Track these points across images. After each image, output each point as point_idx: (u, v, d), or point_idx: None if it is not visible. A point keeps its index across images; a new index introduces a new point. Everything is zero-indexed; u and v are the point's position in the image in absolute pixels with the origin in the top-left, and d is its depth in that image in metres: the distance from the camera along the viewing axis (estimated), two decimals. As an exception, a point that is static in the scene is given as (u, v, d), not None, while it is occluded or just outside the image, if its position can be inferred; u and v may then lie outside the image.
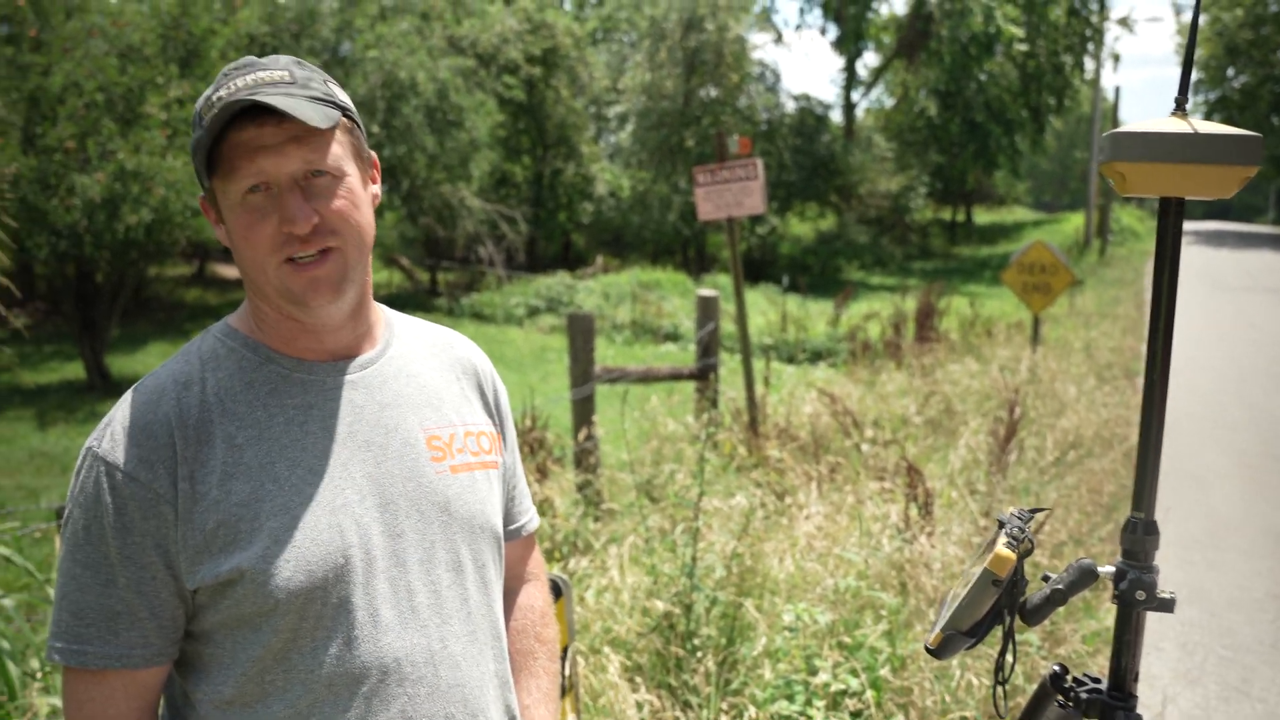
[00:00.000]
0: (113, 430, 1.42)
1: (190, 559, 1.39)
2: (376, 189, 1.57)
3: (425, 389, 1.61)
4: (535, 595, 1.85)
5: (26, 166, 12.21)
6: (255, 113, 1.39)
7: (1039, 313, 11.38)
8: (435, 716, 1.48)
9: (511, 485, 1.78)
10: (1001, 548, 1.47)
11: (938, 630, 1.52)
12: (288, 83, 1.41)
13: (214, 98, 1.40)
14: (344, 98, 1.50)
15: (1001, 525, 1.53)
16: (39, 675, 3.40)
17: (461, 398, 1.67)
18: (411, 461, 1.53)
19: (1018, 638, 1.58)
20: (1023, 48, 35.62)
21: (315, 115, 1.39)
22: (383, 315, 1.65)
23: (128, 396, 1.46)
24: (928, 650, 1.53)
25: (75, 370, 14.87)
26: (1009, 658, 1.54)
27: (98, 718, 1.40)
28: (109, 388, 13.86)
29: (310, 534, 1.41)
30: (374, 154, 1.59)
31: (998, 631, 1.55)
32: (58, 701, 3.22)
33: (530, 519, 1.84)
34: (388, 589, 1.47)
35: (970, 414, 8.07)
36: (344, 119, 1.48)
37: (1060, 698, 1.59)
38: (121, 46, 13.69)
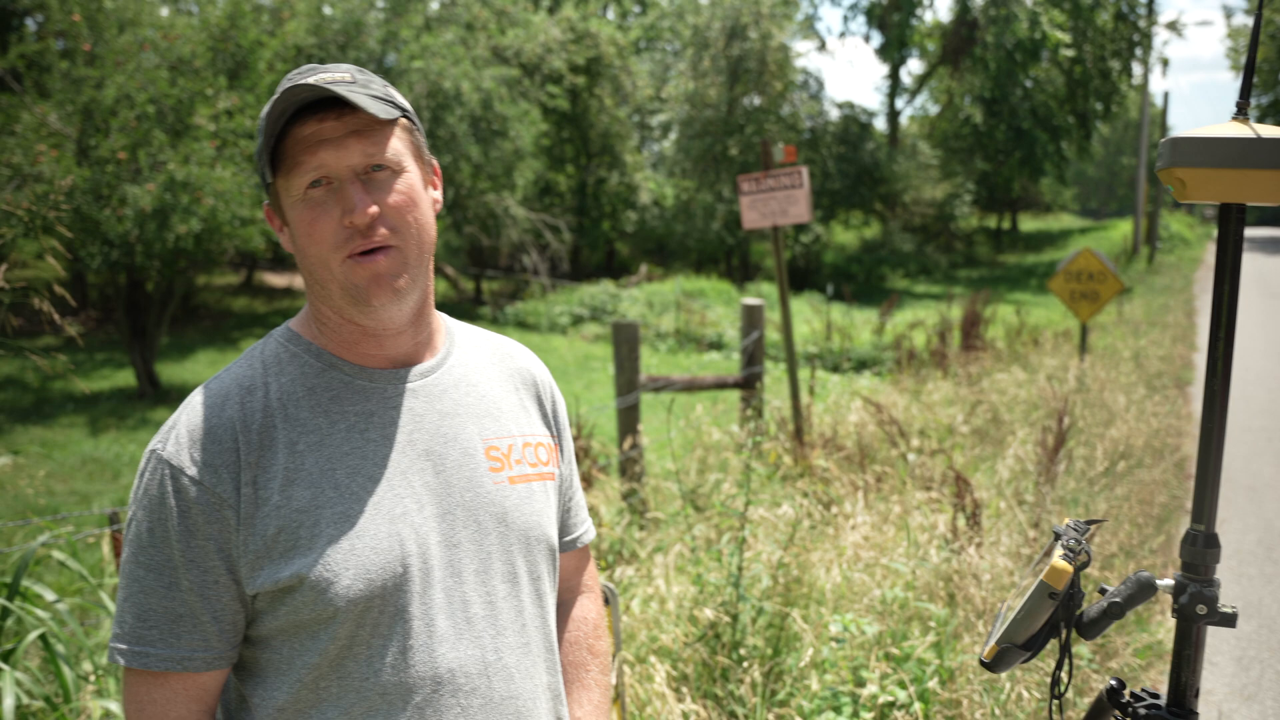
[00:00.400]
0: (177, 433, 1.42)
1: (251, 564, 1.40)
2: (437, 194, 1.57)
3: (485, 399, 1.61)
4: (589, 607, 1.85)
5: (80, 178, 12.41)
6: (316, 108, 1.41)
7: (1087, 321, 11.25)
8: None
9: (568, 497, 1.78)
10: (1058, 560, 1.45)
11: (992, 643, 1.50)
12: (349, 82, 1.43)
13: (279, 100, 1.42)
14: (404, 101, 1.51)
15: (1057, 537, 1.51)
16: (92, 678, 3.44)
17: (520, 408, 1.67)
18: (470, 471, 1.53)
19: (1069, 650, 1.55)
20: (1069, 53, 35.27)
21: (375, 107, 1.40)
22: (443, 324, 1.65)
23: (192, 399, 1.47)
24: (982, 663, 1.51)
25: (126, 378, 15.08)
26: (1065, 671, 1.52)
27: (158, 719, 1.41)
28: (159, 395, 14.05)
29: (369, 542, 1.42)
30: (435, 161, 1.59)
31: (1052, 644, 1.52)
32: (111, 705, 3.26)
33: (586, 530, 1.84)
34: (444, 599, 1.47)
35: (1017, 423, 7.99)
36: (404, 119, 1.49)
37: (1118, 713, 1.57)
38: (172, 59, 13.90)
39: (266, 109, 1.43)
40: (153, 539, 1.40)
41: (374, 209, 1.41)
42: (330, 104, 1.41)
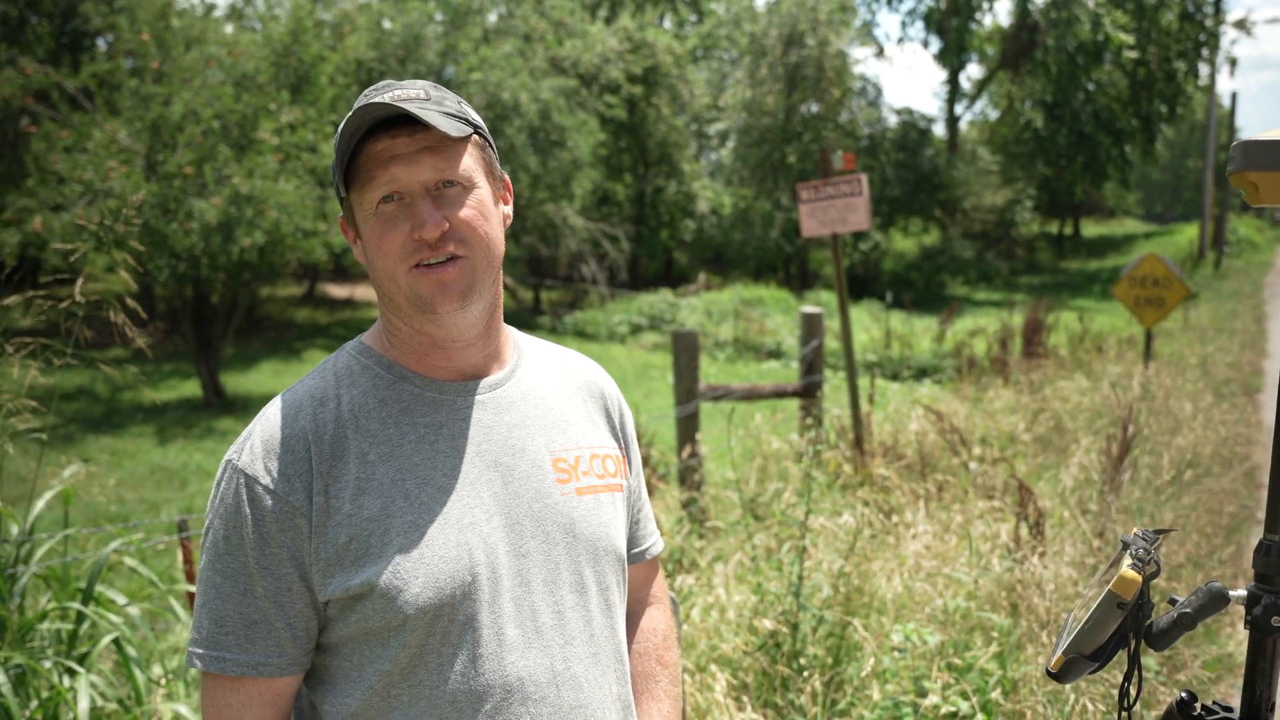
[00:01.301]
0: (252, 444, 1.46)
1: (323, 572, 1.43)
2: (508, 210, 1.60)
3: (552, 411, 1.63)
4: (658, 619, 1.85)
5: (149, 192, 12.67)
6: (390, 124, 1.44)
7: (1152, 327, 11.07)
8: None
9: (636, 509, 1.79)
10: (1127, 569, 1.43)
11: (1059, 653, 1.48)
12: (422, 99, 1.46)
13: (352, 115, 1.45)
14: (476, 118, 1.54)
15: (1125, 546, 1.49)
16: (163, 682, 3.51)
17: (587, 420, 1.69)
18: (538, 483, 1.55)
19: (1138, 662, 1.53)
20: (1133, 55, 34.73)
21: (447, 125, 1.43)
22: (511, 337, 1.68)
23: (266, 411, 1.51)
24: (1049, 674, 1.49)
25: (192, 388, 15.35)
26: (1134, 683, 1.50)
27: None
28: (224, 405, 14.28)
29: (439, 551, 1.44)
30: (507, 177, 1.62)
31: (1119, 656, 1.50)
32: (181, 708, 3.32)
33: (654, 542, 1.84)
34: (512, 608, 1.48)
35: (1081, 432, 7.87)
36: (476, 135, 1.52)
37: (1188, 726, 1.54)
38: (236, 75, 14.15)
39: (342, 125, 1.47)
40: (229, 547, 1.44)
41: (444, 225, 1.45)
42: (403, 121, 1.44)
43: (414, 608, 1.42)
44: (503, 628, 1.47)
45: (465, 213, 1.47)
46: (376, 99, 1.44)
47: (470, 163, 1.49)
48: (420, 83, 1.51)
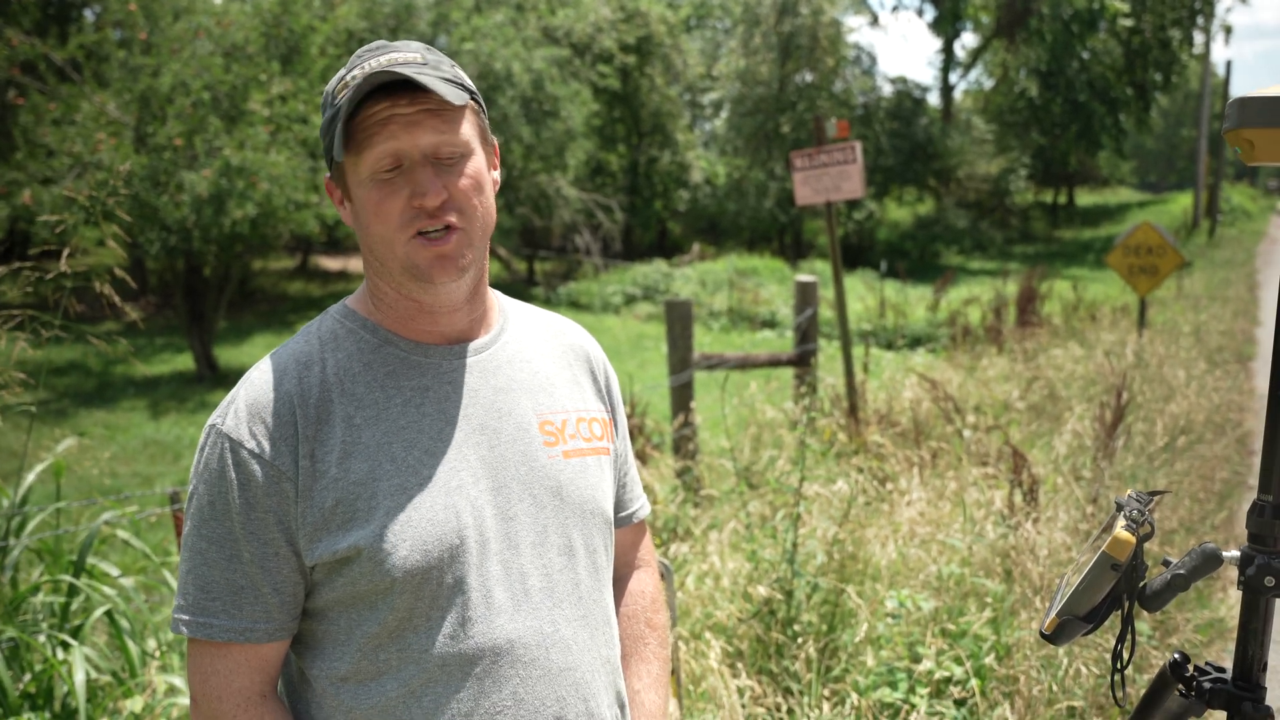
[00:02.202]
0: (236, 408, 1.45)
1: (309, 536, 1.42)
2: (497, 174, 1.58)
3: (538, 374, 1.62)
4: (646, 581, 1.85)
5: (139, 164, 12.59)
6: (390, 89, 1.42)
7: (1145, 296, 11.06)
8: (546, 699, 1.49)
9: (623, 472, 1.78)
10: (1121, 530, 1.42)
11: (1053, 615, 1.48)
12: (419, 63, 1.44)
13: (348, 77, 1.44)
14: (470, 83, 1.52)
15: (1119, 508, 1.49)
16: (157, 654, 3.51)
17: (574, 383, 1.68)
18: (525, 446, 1.55)
19: (1131, 625, 1.53)
20: (1128, 23, 34.59)
21: (449, 92, 1.41)
22: (497, 301, 1.67)
23: (250, 375, 1.49)
24: (1042, 635, 1.49)
25: (185, 361, 15.32)
26: (1127, 645, 1.50)
27: (222, 689, 1.44)
28: (217, 378, 14.26)
29: (426, 514, 1.43)
30: (495, 141, 1.60)
31: (1112, 619, 1.50)
32: (175, 680, 3.32)
33: (641, 506, 1.84)
34: (500, 571, 1.48)
35: (1075, 399, 7.88)
36: (471, 101, 1.50)
37: (1181, 687, 1.54)
38: (226, 46, 14.04)
39: (334, 85, 1.45)
40: (214, 512, 1.42)
41: (444, 194, 1.43)
42: (403, 85, 1.42)
43: (401, 570, 1.41)
44: (491, 590, 1.46)
45: (464, 181, 1.46)
46: (373, 60, 1.43)
47: (467, 129, 1.48)
48: (415, 44, 1.48)
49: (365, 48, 1.49)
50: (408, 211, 1.43)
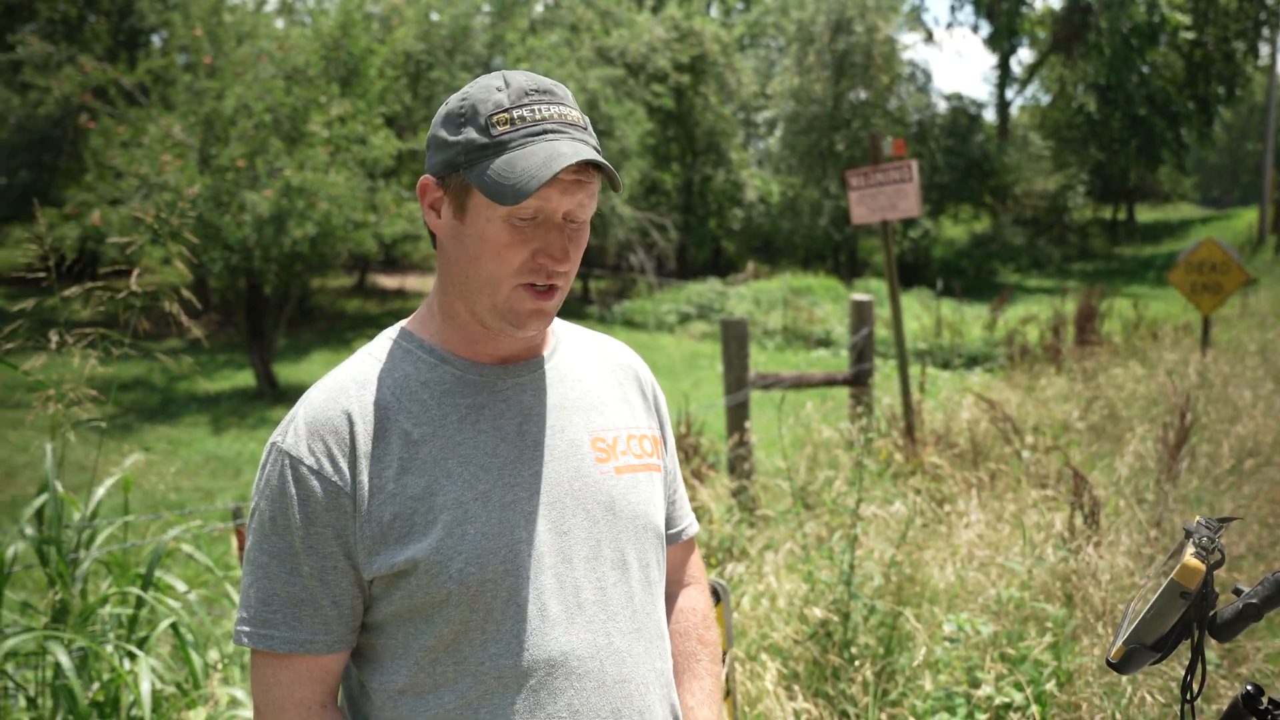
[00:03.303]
0: (295, 426, 1.49)
1: (368, 550, 1.45)
2: None
3: (589, 393, 1.65)
4: (696, 598, 1.86)
5: (203, 185, 12.83)
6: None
7: (1209, 314, 10.88)
8: (602, 711, 1.51)
9: (672, 490, 1.80)
10: (1190, 557, 1.41)
11: (1119, 643, 1.46)
12: (581, 127, 1.48)
13: (516, 114, 1.45)
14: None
15: (1188, 534, 1.47)
16: (219, 666, 3.57)
17: (624, 401, 1.71)
18: (577, 462, 1.57)
19: (1201, 654, 1.50)
20: (1189, 36, 34.07)
21: (606, 171, 1.47)
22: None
23: (309, 394, 1.53)
24: (1109, 664, 1.47)
25: (246, 378, 15.53)
26: (1197, 675, 1.47)
27: (285, 700, 1.47)
28: (277, 394, 14.44)
29: (481, 528, 1.46)
30: None
31: (1182, 648, 1.48)
32: (237, 692, 3.37)
33: (690, 523, 1.85)
34: (555, 584, 1.50)
35: (1136, 420, 7.76)
36: None
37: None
38: (287, 69, 14.28)
39: (489, 109, 1.45)
40: (274, 527, 1.46)
41: (569, 263, 1.49)
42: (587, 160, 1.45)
43: (457, 583, 1.44)
44: (546, 603, 1.49)
45: (577, 252, 1.51)
46: (547, 110, 1.46)
47: (595, 203, 1.53)
48: (567, 95, 1.51)
49: (523, 82, 1.49)
50: (530, 264, 1.48)
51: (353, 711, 1.57)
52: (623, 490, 1.60)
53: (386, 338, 1.60)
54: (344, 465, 1.45)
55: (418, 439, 1.49)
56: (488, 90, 1.48)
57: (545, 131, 1.43)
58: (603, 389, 1.68)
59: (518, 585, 1.47)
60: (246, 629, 1.47)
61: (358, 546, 1.45)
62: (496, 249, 1.47)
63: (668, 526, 1.79)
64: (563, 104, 1.48)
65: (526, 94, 1.47)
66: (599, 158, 1.43)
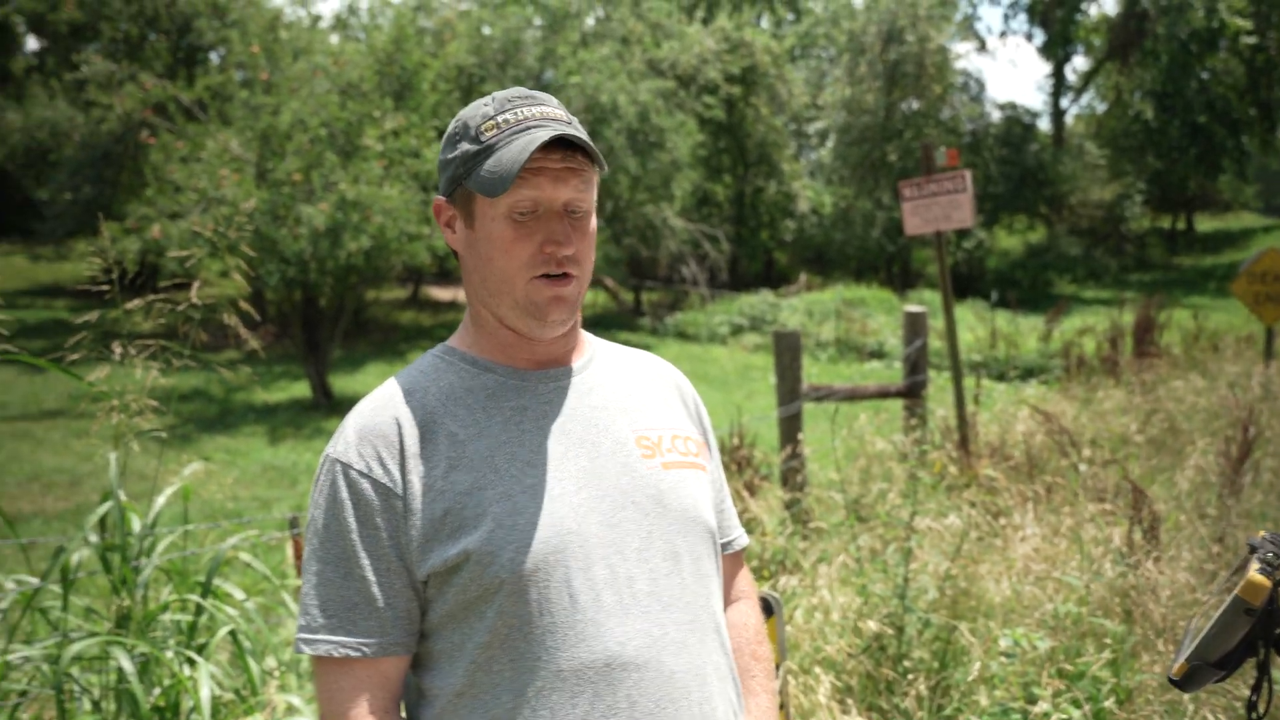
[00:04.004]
0: (345, 436, 1.55)
1: (420, 548, 1.49)
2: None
3: (631, 395, 1.69)
4: (748, 613, 1.85)
5: (259, 199, 13.03)
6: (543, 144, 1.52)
7: (1272, 325, 10.68)
8: (662, 701, 1.50)
9: (719, 499, 1.80)
10: (1255, 573, 1.38)
11: (1182, 660, 1.44)
12: (565, 121, 1.55)
13: (501, 119, 1.54)
14: None
15: (1253, 550, 1.44)
16: (276, 673, 3.61)
17: (665, 404, 1.73)
18: (624, 458, 1.60)
19: (1268, 672, 1.47)
20: (1250, 40, 33.48)
21: (593, 153, 1.53)
22: (584, 335, 1.75)
23: (359, 406, 1.60)
24: (1171, 681, 1.45)
25: (301, 389, 15.72)
26: (1264, 695, 1.45)
27: (347, 705, 1.49)
28: (332, 406, 14.60)
29: (530, 518, 1.49)
30: None
31: (1248, 665, 1.45)
32: (294, 699, 3.42)
33: (739, 536, 1.85)
34: (608, 575, 1.51)
35: (1197, 433, 7.63)
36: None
37: (1321, 737, 1.48)
38: (342, 84, 14.47)
39: (477, 121, 1.55)
40: (329, 533, 1.51)
41: (574, 246, 1.54)
42: (558, 141, 1.52)
43: (509, 572, 1.46)
44: (599, 593, 1.50)
45: (584, 240, 1.57)
46: (527, 110, 1.55)
47: (592, 191, 1.58)
48: (551, 99, 1.60)
49: (507, 94, 1.59)
50: (538, 255, 1.54)
51: (413, 718, 1.59)
52: (671, 485, 1.62)
53: (430, 355, 1.67)
54: (393, 468, 1.50)
55: (464, 439, 1.53)
56: (476, 107, 1.58)
57: (528, 128, 1.51)
58: (643, 393, 1.71)
59: (569, 575, 1.49)
60: (305, 636, 1.50)
61: (411, 546, 1.49)
62: (504, 246, 1.54)
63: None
64: (544, 104, 1.56)
65: (510, 100, 1.56)
66: (574, 133, 1.50)
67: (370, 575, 1.49)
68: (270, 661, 3.84)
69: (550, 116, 1.55)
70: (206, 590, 3.28)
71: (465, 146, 1.56)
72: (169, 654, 3.09)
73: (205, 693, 2.93)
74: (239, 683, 3.45)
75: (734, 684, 1.66)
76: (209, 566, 3.36)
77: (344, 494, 1.50)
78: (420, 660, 1.56)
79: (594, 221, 1.60)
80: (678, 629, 1.54)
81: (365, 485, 1.50)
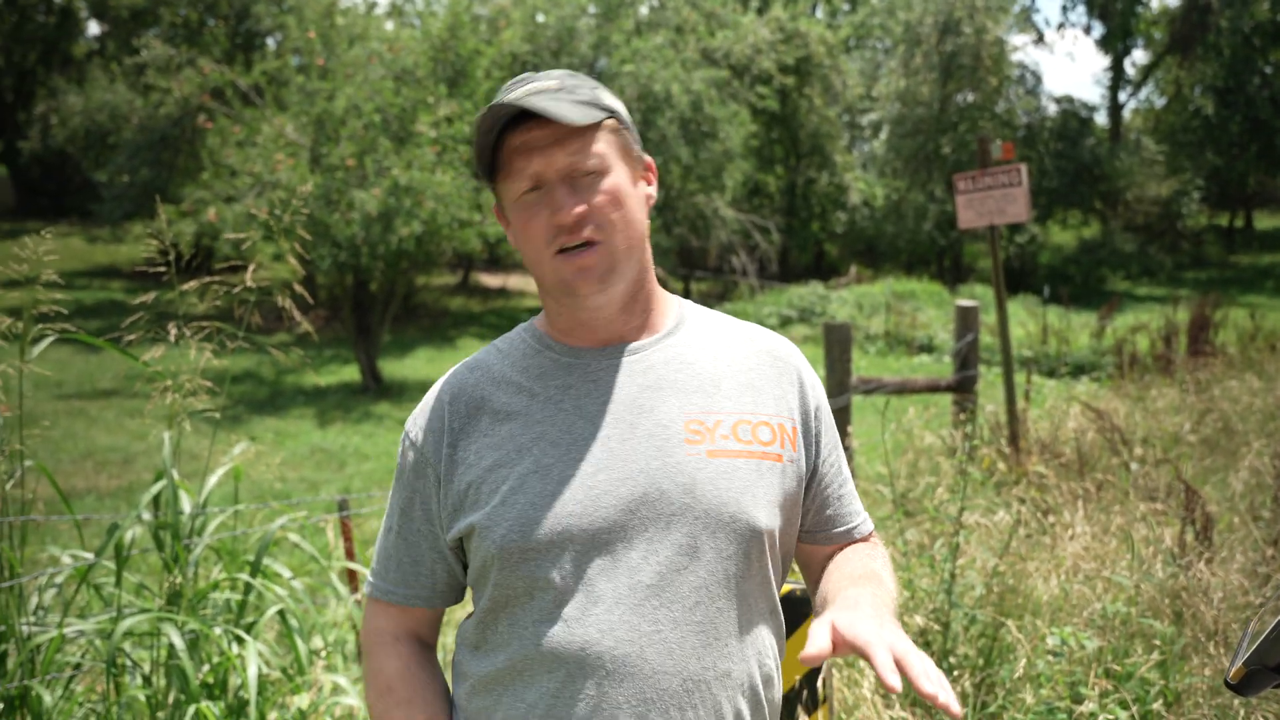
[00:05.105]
0: (419, 406, 1.68)
1: (449, 516, 1.60)
2: (650, 190, 1.65)
3: (699, 376, 1.61)
4: (863, 550, 1.72)
5: (314, 184, 13.16)
6: (523, 118, 1.52)
7: (1334, 326, 10.46)
8: (634, 699, 1.47)
9: (826, 486, 1.70)
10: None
11: (1239, 663, 1.41)
12: (555, 90, 1.53)
13: (489, 108, 1.53)
14: (611, 101, 1.59)
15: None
16: (323, 653, 3.65)
17: (747, 388, 1.63)
18: (662, 442, 1.53)
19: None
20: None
21: (575, 114, 1.48)
22: (674, 307, 1.70)
23: (440, 379, 1.71)
24: (1228, 685, 1.42)
25: (351, 373, 15.88)
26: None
27: (372, 639, 1.68)
28: (381, 390, 14.73)
29: (533, 499, 1.51)
30: (648, 157, 1.67)
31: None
32: (340, 679, 3.46)
33: (862, 521, 1.75)
34: (607, 562, 1.49)
35: (1252, 434, 7.50)
36: (610, 120, 1.56)
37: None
38: (396, 70, 14.56)
39: (477, 122, 1.54)
40: (393, 491, 1.68)
41: (580, 208, 1.51)
42: (535, 114, 1.51)
43: (499, 548, 1.50)
44: (593, 580, 1.48)
45: (600, 198, 1.52)
46: (507, 96, 1.52)
47: (602, 149, 1.54)
48: (557, 72, 1.58)
49: (510, 82, 1.60)
50: (549, 230, 1.52)
51: (454, 661, 1.69)
52: (710, 475, 1.52)
53: (515, 330, 1.72)
54: (433, 440, 1.61)
55: (504, 418, 1.58)
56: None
57: (502, 106, 1.49)
58: (721, 372, 1.62)
59: (562, 558, 1.48)
60: (369, 578, 1.71)
61: (442, 514, 1.60)
62: (524, 230, 1.56)
63: (833, 525, 1.71)
64: (534, 80, 1.55)
65: (507, 87, 1.58)
66: (538, 104, 1.47)
67: (406, 535, 1.64)
68: (317, 641, 3.89)
69: (535, 91, 1.52)
70: (255, 569, 3.32)
71: (477, 149, 1.58)
72: (218, 631, 3.13)
73: (252, 670, 2.97)
74: (286, 662, 3.50)
75: (754, 699, 1.58)
76: (258, 547, 3.40)
77: (401, 459, 1.65)
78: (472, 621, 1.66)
79: (617, 178, 1.54)
80: (674, 628, 1.48)
81: (412, 455, 1.63)
